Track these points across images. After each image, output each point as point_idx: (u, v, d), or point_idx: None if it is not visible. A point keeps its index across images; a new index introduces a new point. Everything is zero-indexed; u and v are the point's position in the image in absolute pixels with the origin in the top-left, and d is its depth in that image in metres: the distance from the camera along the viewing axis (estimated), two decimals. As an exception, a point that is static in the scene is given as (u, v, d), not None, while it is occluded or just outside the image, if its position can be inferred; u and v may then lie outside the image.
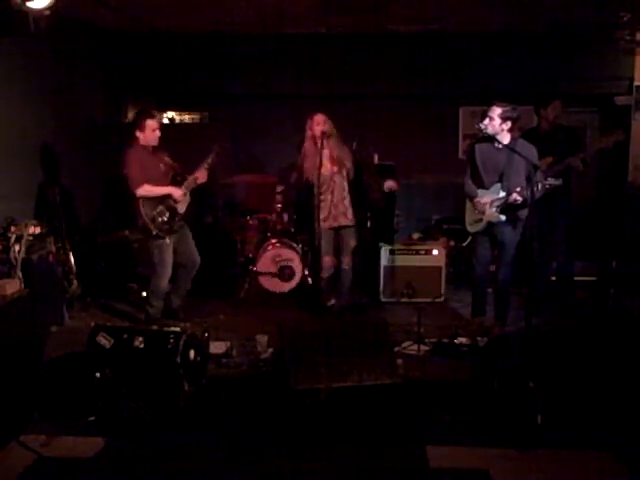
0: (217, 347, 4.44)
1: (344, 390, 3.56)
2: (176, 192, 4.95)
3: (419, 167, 7.28)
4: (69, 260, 5.39)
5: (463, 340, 4.68)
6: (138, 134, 4.89)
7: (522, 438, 3.21)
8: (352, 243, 5.29)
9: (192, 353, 3.84)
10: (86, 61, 6.48)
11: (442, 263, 5.97)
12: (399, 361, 4.00)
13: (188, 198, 5.06)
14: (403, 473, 3.02)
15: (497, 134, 4.52)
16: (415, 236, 6.69)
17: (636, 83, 6.83)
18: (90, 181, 6.45)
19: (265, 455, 3.18)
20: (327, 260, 5.23)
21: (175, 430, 3.41)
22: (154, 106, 6.88)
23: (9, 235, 4.39)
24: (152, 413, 3.50)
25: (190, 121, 7.75)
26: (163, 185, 4.94)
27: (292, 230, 6.15)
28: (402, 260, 5.96)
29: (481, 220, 4.75)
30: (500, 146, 4.52)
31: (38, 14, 3.93)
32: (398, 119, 7.26)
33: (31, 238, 4.52)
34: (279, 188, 6.26)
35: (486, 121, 4.53)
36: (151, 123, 4.90)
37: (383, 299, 5.94)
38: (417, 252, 5.99)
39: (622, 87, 6.91)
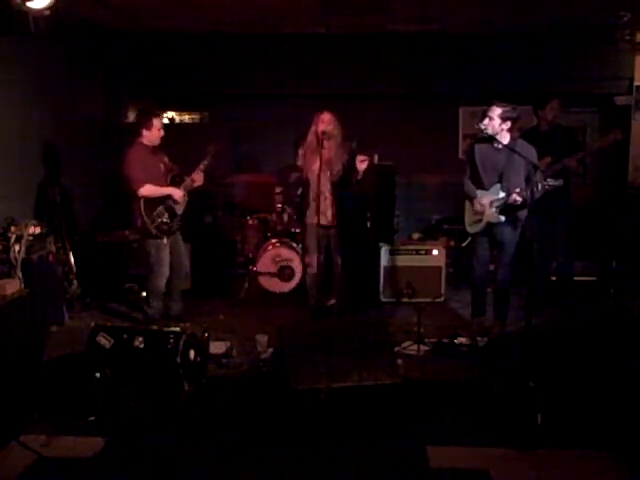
0: (217, 347, 4.44)
1: (344, 390, 3.56)
2: (177, 193, 4.96)
3: (419, 167, 7.29)
4: (69, 260, 5.39)
5: (463, 340, 4.68)
6: (144, 132, 4.90)
7: (522, 438, 3.21)
8: (337, 243, 5.22)
9: (192, 353, 3.84)
10: (86, 61, 6.48)
11: (442, 263, 5.98)
12: (399, 361, 4.00)
13: (186, 199, 5.07)
14: (403, 473, 3.02)
15: (497, 134, 4.52)
16: (415, 236, 6.69)
17: (636, 83, 6.82)
18: (90, 181, 6.45)
19: (265, 455, 3.18)
20: (312, 258, 5.18)
21: (175, 430, 3.41)
22: (154, 106, 6.87)
23: (9, 235, 4.39)
24: (152, 413, 3.50)
25: (190, 121, 7.75)
26: (163, 185, 4.95)
27: (292, 230, 6.14)
28: (402, 260, 5.96)
29: (480, 220, 4.75)
30: (500, 146, 4.52)
31: (38, 14, 3.93)
32: (398, 119, 7.26)
33: (31, 238, 4.52)
34: (278, 189, 6.27)
35: (486, 121, 4.53)
36: (158, 122, 4.94)
37: (383, 299, 5.94)
38: (417, 252, 6.00)
39: (622, 87, 6.91)
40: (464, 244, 6.30)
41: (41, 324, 4.16)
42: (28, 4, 3.84)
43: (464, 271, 6.24)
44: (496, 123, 4.51)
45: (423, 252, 6.00)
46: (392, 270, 5.95)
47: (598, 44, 6.59)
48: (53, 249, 4.92)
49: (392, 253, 5.97)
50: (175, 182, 5.03)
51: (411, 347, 4.58)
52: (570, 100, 6.40)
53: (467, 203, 4.88)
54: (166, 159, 5.07)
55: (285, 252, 5.92)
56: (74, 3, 5.17)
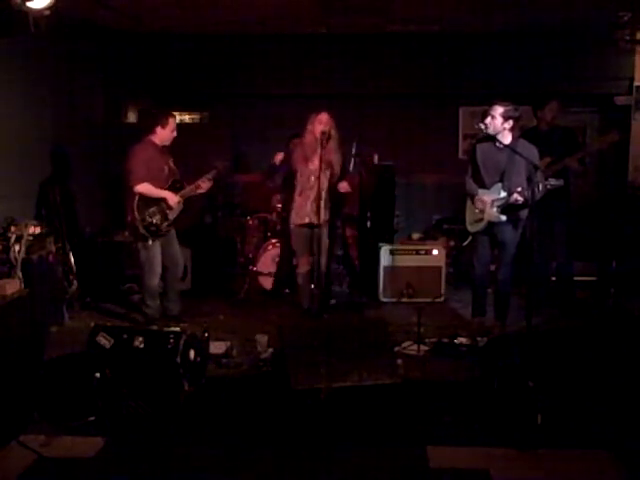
0: (217, 347, 4.44)
1: (344, 390, 3.56)
2: (172, 198, 4.97)
3: (419, 167, 7.28)
4: (69, 260, 5.39)
5: (463, 340, 4.68)
6: (158, 130, 4.93)
7: (522, 438, 3.21)
8: (326, 242, 5.18)
9: (192, 353, 3.84)
10: (86, 61, 6.48)
11: (442, 263, 5.98)
12: (399, 361, 4.00)
13: (181, 206, 5.07)
14: (403, 473, 3.02)
15: (499, 133, 4.52)
16: (415, 236, 6.70)
17: (636, 83, 6.82)
18: (90, 181, 6.45)
19: (265, 455, 3.17)
20: (301, 259, 5.18)
21: (175, 430, 3.41)
22: (154, 106, 6.88)
23: (9, 235, 4.40)
24: (152, 413, 3.50)
25: (190, 121, 7.74)
26: (162, 188, 4.96)
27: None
28: (402, 260, 5.96)
29: (481, 220, 4.74)
30: (501, 146, 4.51)
31: (38, 14, 3.93)
32: (398, 119, 7.26)
33: (31, 238, 4.53)
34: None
35: (488, 120, 4.52)
36: (173, 122, 4.99)
37: (383, 299, 5.94)
38: (417, 252, 6.00)
39: (622, 87, 6.91)
40: (465, 243, 6.30)
41: (41, 324, 4.17)
42: (28, 4, 3.83)
43: (464, 271, 6.24)
44: (498, 122, 4.51)
45: (423, 252, 6.00)
46: (392, 270, 5.95)
47: (598, 44, 6.59)
48: (53, 249, 4.93)
49: (392, 253, 5.97)
50: (174, 188, 5.04)
51: (411, 347, 4.58)
52: (570, 100, 6.40)
53: (468, 202, 4.89)
54: (171, 162, 5.09)
55: (285, 252, 5.92)
56: (74, 3, 5.16)
